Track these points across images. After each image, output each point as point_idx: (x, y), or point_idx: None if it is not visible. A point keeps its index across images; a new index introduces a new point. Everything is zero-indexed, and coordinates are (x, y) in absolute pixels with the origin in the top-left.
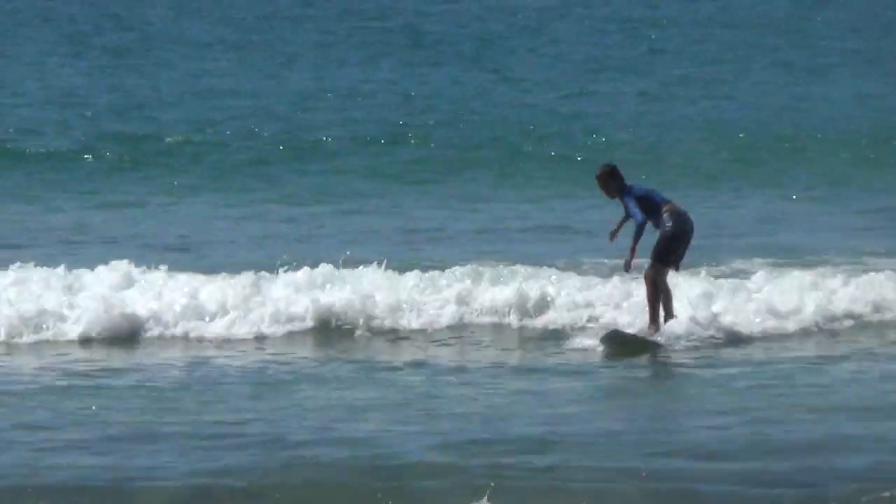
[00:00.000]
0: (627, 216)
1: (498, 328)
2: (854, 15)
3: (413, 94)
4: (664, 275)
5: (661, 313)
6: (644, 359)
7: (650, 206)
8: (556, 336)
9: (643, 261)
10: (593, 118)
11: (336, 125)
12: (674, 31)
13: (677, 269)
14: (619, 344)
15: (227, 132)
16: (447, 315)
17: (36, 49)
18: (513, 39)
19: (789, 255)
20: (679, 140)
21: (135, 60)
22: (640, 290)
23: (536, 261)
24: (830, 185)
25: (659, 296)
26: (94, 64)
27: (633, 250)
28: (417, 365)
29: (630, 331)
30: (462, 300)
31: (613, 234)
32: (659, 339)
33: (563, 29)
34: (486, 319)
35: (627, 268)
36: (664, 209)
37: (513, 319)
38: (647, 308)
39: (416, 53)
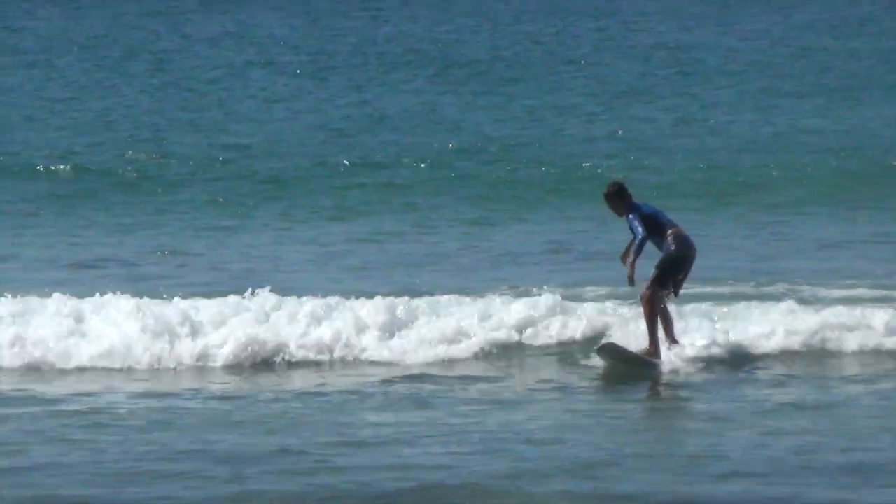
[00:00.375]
0: (634, 260)
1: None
2: (892, 41)
3: (453, 117)
4: (661, 298)
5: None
6: (654, 380)
7: (656, 226)
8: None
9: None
10: (632, 142)
11: (387, 147)
12: (710, 55)
13: (676, 294)
14: (615, 359)
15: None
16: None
17: (79, 70)
18: (553, 66)
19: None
20: (725, 162)
21: (181, 83)
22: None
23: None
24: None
25: (657, 318)
26: (142, 87)
27: (633, 265)
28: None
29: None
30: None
31: (624, 258)
32: (658, 362)
33: (600, 54)
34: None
35: (631, 282)
36: (669, 232)
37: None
38: (647, 331)
39: (456, 78)
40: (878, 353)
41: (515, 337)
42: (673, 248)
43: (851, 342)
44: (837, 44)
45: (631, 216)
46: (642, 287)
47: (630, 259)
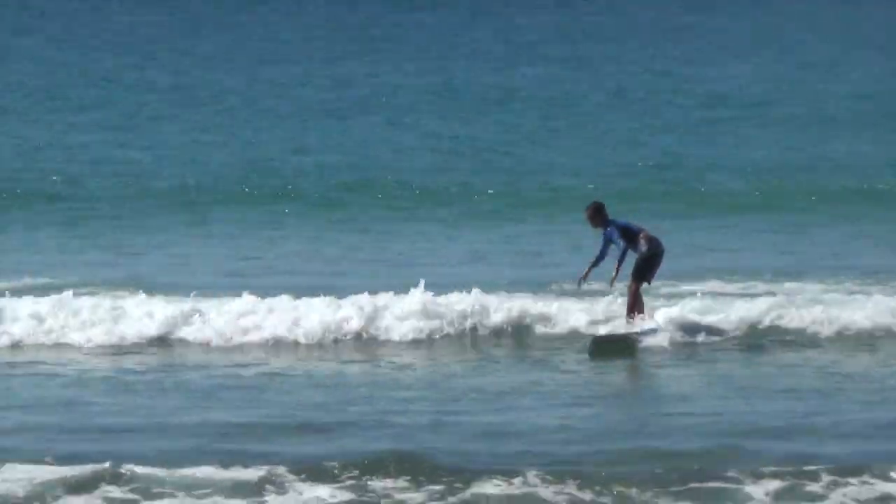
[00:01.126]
0: (618, 266)
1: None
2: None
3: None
4: (640, 287)
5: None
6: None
7: (629, 234)
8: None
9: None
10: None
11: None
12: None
13: (650, 283)
14: (606, 348)
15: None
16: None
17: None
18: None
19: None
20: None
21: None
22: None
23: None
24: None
25: (636, 303)
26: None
27: (617, 270)
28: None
29: (607, 331)
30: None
31: (589, 270)
32: (633, 324)
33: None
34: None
35: (612, 284)
36: (640, 236)
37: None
38: (627, 309)
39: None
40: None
41: None
42: (644, 248)
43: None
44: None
45: (609, 229)
46: (628, 280)
47: (616, 265)
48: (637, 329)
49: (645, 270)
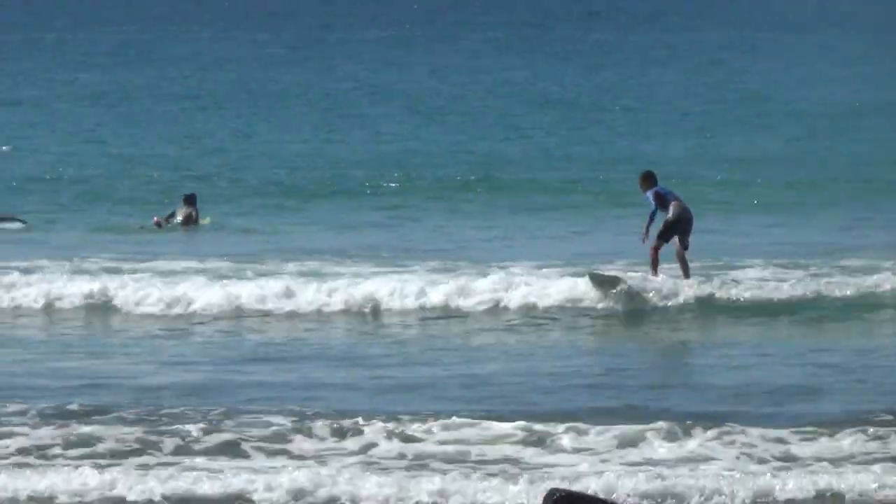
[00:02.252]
0: (648, 224)
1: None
2: None
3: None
4: (661, 247)
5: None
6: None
7: (663, 200)
8: None
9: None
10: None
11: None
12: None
13: (686, 248)
14: (601, 283)
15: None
16: None
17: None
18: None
19: None
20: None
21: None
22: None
23: None
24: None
25: (658, 259)
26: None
27: (646, 227)
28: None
29: (608, 273)
30: None
31: (645, 234)
32: (655, 278)
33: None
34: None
35: (644, 239)
36: (672, 203)
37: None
38: (651, 263)
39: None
40: None
41: None
42: (671, 214)
43: None
44: None
45: (648, 194)
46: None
47: (645, 224)
48: (644, 280)
49: (667, 233)
